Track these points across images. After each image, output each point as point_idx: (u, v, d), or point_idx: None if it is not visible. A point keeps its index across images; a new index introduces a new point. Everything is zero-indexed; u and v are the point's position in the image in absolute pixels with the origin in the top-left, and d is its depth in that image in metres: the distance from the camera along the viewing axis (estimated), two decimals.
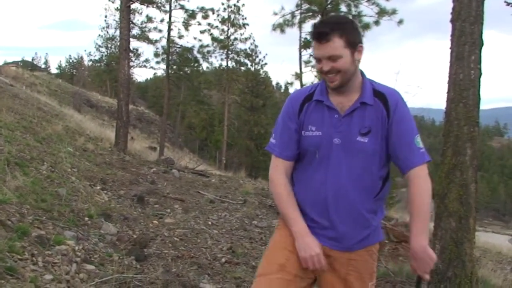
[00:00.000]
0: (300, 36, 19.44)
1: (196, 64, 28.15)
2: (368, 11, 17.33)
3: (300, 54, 20.03)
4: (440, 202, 5.53)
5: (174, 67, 26.21)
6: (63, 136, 12.97)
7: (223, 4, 35.58)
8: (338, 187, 2.38)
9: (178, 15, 30.38)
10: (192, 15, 23.76)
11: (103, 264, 4.96)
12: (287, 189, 2.51)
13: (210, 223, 8.06)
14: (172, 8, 23.77)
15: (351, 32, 2.33)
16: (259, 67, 45.12)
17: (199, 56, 26.43)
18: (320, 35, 2.30)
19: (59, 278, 4.18)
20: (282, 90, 77.97)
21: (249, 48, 39.48)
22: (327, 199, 2.40)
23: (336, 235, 2.43)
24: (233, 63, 37.96)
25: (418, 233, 2.32)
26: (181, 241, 6.70)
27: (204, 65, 33.84)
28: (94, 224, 6.35)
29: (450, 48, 5.57)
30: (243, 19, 36.39)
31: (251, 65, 43.15)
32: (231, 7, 35.86)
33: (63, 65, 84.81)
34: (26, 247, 4.60)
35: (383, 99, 2.40)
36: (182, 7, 24.04)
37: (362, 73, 2.46)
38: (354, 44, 2.32)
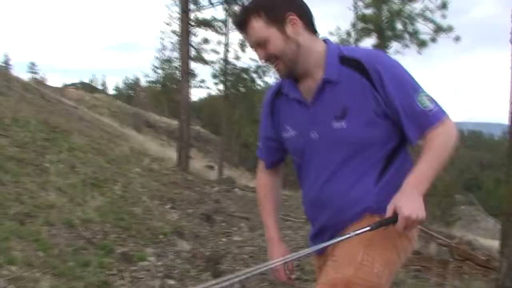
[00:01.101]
0: None
1: (252, 84, 28.57)
2: (424, 29, 17.29)
3: None
4: (506, 220, 5.55)
5: (231, 87, 26.72)
6: (130, 157, 13.51)
7: None
8: (323, 190, 2.01)
9: (235, 37, 31.07)
10: None
11: (183, 280, 5.25)
12: (265, 190, 2.29)
13: None
14: (229, 30, 24.33)
15: (269, 6, 1.89)
16: None
17: (255, 76, 26.86)
18: (238, 23, 1.96)
19: None
20: None
21: None
22: (316, 205, 2.09)
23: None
24: None
25: (419, 171, 1.80)
26: (251, 258, 6.93)
27: (260, 83, 34.29)
28: (168, 241, 6.68)
29: (511, 67, 5.63)
30: None
31: None
32: None
33: (120, 86, 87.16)
34: (113, 263, 4.96)
35: (359, 67, 1.88)
36: None
37: (326, 43, 2.00)
38: (279, 18, 1.88)
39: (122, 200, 8.00)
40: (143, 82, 76.12)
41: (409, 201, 1.73)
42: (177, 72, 35.23)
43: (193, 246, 6.91)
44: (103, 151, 12.05)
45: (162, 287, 4.82)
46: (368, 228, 1.79)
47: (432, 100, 1.85)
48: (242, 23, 1.93)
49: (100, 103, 40.90)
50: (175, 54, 32.60)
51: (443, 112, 1.85)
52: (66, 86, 55.62)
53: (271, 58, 1.93)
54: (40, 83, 37.12)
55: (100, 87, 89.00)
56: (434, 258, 8.88)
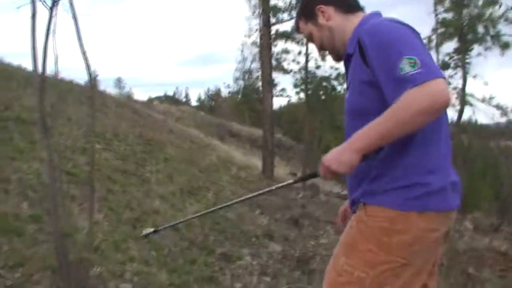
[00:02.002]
0: (437, 59, 19.35)
1: (332, 92, 28.83)
2: (507, 30, 16.93)
3: None
4: None
5: (312, 95, 27.12)
6: (218, 166, 14.24)
7: None
8: None
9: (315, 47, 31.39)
10: None
11: (276, 277, 5.74)
12: None
13: None
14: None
15: (303, 7, 2.16)
16: None
17: (336, 83, 27.14)
18: (296, 29, 2.28)
19: (246, 286, 5.02)
20: None
21: None
22: None
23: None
24: None
25: (365, 128, 1.73)
26: None
27: (340, 90, 34.41)
28: (261, 243, 7.21)
29: None
30: None
31: None
32: None
33: (202, 97, 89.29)
34: (215, 261, 5.54)
35: (358, 41, 1.89)
36: None
37: (367, 16, 2.04)
38: (311, 13, 2.08)
39: (215, 206, 8.63)
40: (224, 92, 78.06)
41: (334, 154, 1.75)
42: (258, 82, 36.10)
43: (283, 247, 7.39)
44: (194, 161, 12.83)
45: (259, 282, 5.32)
46: (291, 181, 2.06)
47: (416, 63, 1.67)
48: (297, 28, 2.23)
49: (185, 115, 42.36)
50: (256, 65, 33.33)
51: (426, 75, 1.64)
52: (151, 99, 58.05)
53: (317, 48, 2.15)
54: (129, 98, 39.04)
55: (183, 99, 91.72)
56: None
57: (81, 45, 3.24)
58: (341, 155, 1.73)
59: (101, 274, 3.87)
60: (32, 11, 3.22)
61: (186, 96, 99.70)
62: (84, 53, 3.16)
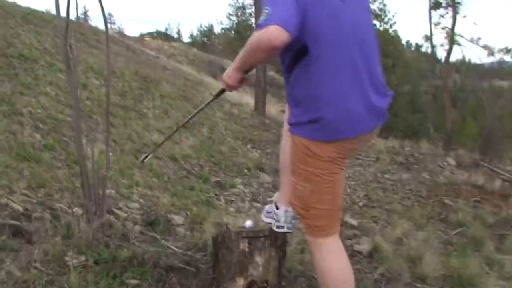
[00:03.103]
0: None
1: None
2: None
3: (430, 15, 20.10)
4: None
5: None
6: (211, 102, 14.66)
7: None
8: None
9: None
10: None
11: (266, 203, 6.31)
12: None
13: (347, 176, 9.19)
14: None
15: None
16: (388, 27, 44.28)
17: None
18: None
19: (239, 210, 5.59)
20: (412, 49, 75.54)
21: (377, 7, 39.08)
22: None
23: None
24: None
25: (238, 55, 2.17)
26: None
27: None
28: (252, 174, 7.76)
29: None
30: None
31: (380, 25, 42.55)
32: None
33: (194, 33, 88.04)
34: (210, 188, 6.09)
35: None
36: None
37: None
38: None
39: (210, 140, 9.15)
40: (217, 29, 77.20)
41: (227, 71, 2.23)
42: (251, 19, 35.96)
43: (273, 178, 7.96)
44: (188, 97, 13.26)
45: (250, 207, 5.89)
46: (211, 99, 2.70)
47: (268, 13, 1.94)
48: None
49: (178, 51, 42.24)
50: (249, 1, 33.04)
51: (267, 22, 1.93)
52: (142, 35, 57.45)
53: None
54: (122, 34, 38.77)
55: (175, 35, 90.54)
56: (496, 192, 9.53)
57: None
58: (229, 72, 2.23)
59: (112, 195, 4.39)
60: None
61: (178, 32, 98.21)
62: None
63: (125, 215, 4.11)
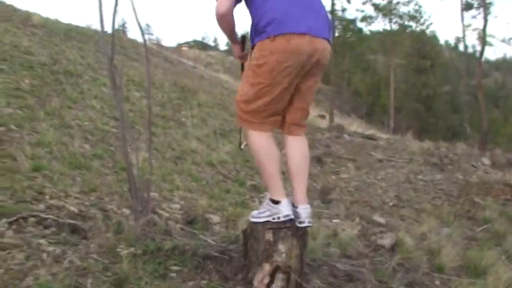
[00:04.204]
0: (462, 0, 19.53)
1: (359, 34, 29.13)
2: None
3: (462, 16, 20.12)
4: None
5: (339, 37, 27.45)
6: None
7: None
8: None
9: None
10: None
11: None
12: None
13: (379, 177, 9.49)
14: None
15: None
16: (424, 28, 43.85)
17: (362, 25, 27.46)
18: None
19: None
20: (451, 48, 74.45)
21: (412, 9, 38.90)
22: None
23: None
24: (397, 27, 37.85)
25: None
26: (356, 191, 8.24)
27: (367, 31, 34.52)
28: (286, 178, 8.09)
29: None
30: None
31: (416, 27, 42.23)
32: None
33: None
34: (245, 191, 6.50)
35: None
36: None
37: None
38: None
39: (246, 146, 9.55)
40: None
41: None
42: None
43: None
44: (225, 106, 13.71)
45: None
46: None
47: None
48: None
49: (214, 60, 43.11)
50: None
51: None
52: (180, 45, 58.54)
53: None
54: (159, 45, 39.73)
55: (212, 43, 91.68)
56: None
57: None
58: (233, 48, 3.11)
59: (156, 197, 4.85)
60: None
61: (215, 40, 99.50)
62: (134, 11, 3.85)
63: (167, 214, 4.56)
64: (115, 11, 3.56)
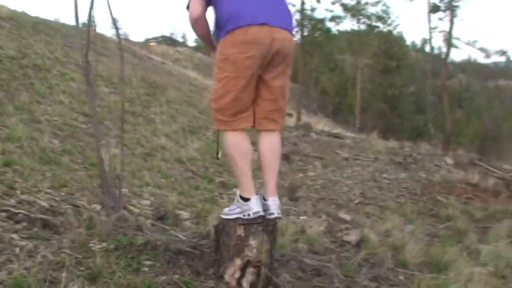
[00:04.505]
0: (429, 2, 19.94)
1: (327, 34, 29.38)
2: None
3: (429, 18, 20.53)
4: None
5: (307, 36, 27.63)
6: None
7: None
8: None
9: None
10: None
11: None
12: None
13: (345, 175, 9.67)
14: None
15: None
16: (391, 28, 44.29)
17: (331, 25, 27.69)
18: None
19: None
20: (417, 49, 75.58)
21: (380, 10, 39.30)
22: None
23: None
24: (365, 27, 38.25)
25: None
26: (322, 188, 8.39)
27: (335, 31, 34.80)
28: (254, 175, 8.19)
29: None
30: None
31: (383, 27, 42.70)
32: None
33: None
34: (214, 188, 6.56)
35: None
36: None
37: None
38: None
39: (215, 144, 9.61)
40: None
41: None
42: None
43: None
44: (193, 103, 13.74)
45: None
46: None
47: None
48: None
49: (183, 56, 42.83)
50: None
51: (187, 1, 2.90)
52: (147, 40, 57.96)
53: None
54: (127, 40, 39.30)
55: (180, 39, 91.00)
56: (489, 190, 9.97)
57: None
58: (210, 51, 3.20)
59: (126, 194, 4.88)
60: None
61: (183, 36, 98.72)
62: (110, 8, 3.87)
63: (138, 210, 4.61)
64: (91, 7, 3.59)
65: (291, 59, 3.00)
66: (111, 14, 3.93)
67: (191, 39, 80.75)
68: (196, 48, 68.43)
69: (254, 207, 2.92)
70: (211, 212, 4.92)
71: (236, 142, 2.95)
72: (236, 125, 2.93)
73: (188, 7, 2.90)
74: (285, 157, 10.26)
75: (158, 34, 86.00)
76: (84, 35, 3.82)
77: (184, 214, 4.88)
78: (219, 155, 3.31)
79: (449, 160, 13.42)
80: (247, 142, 2.98)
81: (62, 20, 19.11)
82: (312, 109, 42.66)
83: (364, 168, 10.64)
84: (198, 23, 2.92)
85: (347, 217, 6.39)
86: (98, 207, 4.19)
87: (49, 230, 3.41)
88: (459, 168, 12.55)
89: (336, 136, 15.97)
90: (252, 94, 2.94)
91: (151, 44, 46.24)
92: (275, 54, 2.84)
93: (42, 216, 3.57)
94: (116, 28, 3.99)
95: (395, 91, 43.76)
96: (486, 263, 4.56)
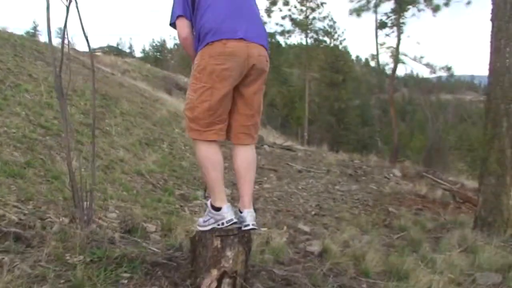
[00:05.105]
0: (376, 19, 20.61)
1: (277, 47, 29.88)
2: None
3: (376, 34, 21.19)
4: (482, 164, 7.04)
5: None
6: (169, 119, 15.16)
7: None
8: None
9: (261, 3, 32.02)
10: (273, 2, 25.50)
11: None
12: None
13: (300, 187, 9.89)
14: None
15: None
16: (338, 43, 45.34)
17: (281, 38, 28.18)
18: None
19: None
20: (362, 63, 77.49)
21: (327, 25, 40.22)
22: None
23: None
24: (312, 41, 39.02)
25: None
26: (279, 200, 8.57)
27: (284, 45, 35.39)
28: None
29: (490, 41, 6.99)
30: None
31: (330, 42, 43.67)
32: None
33: (147, 48, 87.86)
34: (175, 201, 6.62)
35: None
36: None
37: None
38: None
39: (171, 156, 9.67)
40: (170, 44, 77.43)
41: None
42: None
43: (231, 191, 8.54)
44: (147, 115, 13.72)
45: None
46: None
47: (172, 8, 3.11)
48: None
49: (131, 67, 42.29)
50: None
51: (172, 19, 3.11)
52: (94, 50, 56.95)
53: None
54: (75, 50, 38.58)
55: (127, 50, 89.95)
56: (437, 201, 10.41)
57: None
58: None
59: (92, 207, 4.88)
60: None
61: (130, 47, 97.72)
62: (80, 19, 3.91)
63: (105, 224, 4.63)
64: (66, 21, 3.63)
65: (265, 75, 3.13)
66: (82, 26, 3.98)
67: (138, 50, 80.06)
68: (144, 59, 67.89)
69: (227, 215, 3.03)
70: (177, 224, 4.99)
71: (208, 152, 3.05)
72: (209, 135, 3.02)
73: (171, 24, 3.10)
74: None
75: (103, 44, 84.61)
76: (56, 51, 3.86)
77: (151, 227, 4.93)
78: (207, 194, 3.40)
79: (397, 172, 13.92)
80: (219, 152, 3.08)
81: (10, 29, 18.63)
82: (261, 121, 42.78)
83: (317, 180, 10.90)
84: (186, 42, 3.10)
85: (306, 228, 6.57)
86: (66, 220, 4.20)
87: (22, 244, 3.41)
88: (407, 180, 13.04)
89: (289, 148, 16.26)
90: (227, 107, 3.04)
91: (98, 54, 45.54)
92: (251, 69, 2.97)
93: (14, 229, 3.57)
94: (87, 39, 4.02)
95: (341, 104, 44.74)
96: (442, 271, 4.81)
